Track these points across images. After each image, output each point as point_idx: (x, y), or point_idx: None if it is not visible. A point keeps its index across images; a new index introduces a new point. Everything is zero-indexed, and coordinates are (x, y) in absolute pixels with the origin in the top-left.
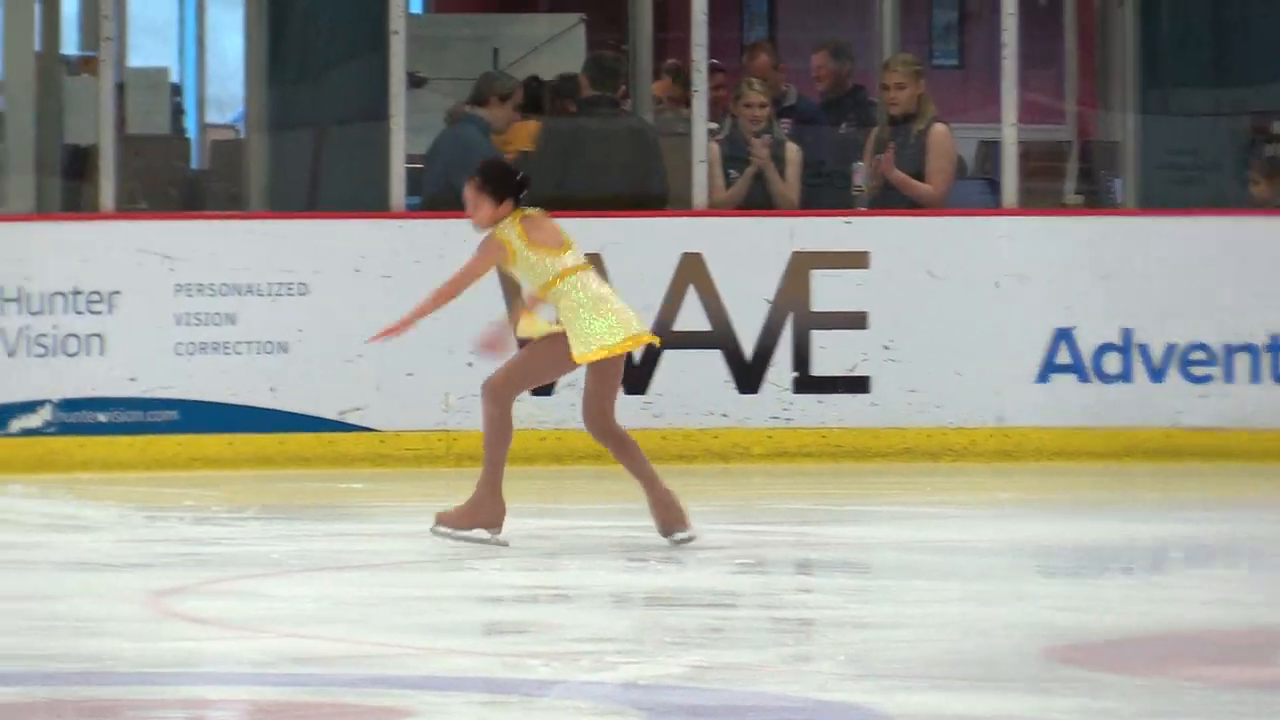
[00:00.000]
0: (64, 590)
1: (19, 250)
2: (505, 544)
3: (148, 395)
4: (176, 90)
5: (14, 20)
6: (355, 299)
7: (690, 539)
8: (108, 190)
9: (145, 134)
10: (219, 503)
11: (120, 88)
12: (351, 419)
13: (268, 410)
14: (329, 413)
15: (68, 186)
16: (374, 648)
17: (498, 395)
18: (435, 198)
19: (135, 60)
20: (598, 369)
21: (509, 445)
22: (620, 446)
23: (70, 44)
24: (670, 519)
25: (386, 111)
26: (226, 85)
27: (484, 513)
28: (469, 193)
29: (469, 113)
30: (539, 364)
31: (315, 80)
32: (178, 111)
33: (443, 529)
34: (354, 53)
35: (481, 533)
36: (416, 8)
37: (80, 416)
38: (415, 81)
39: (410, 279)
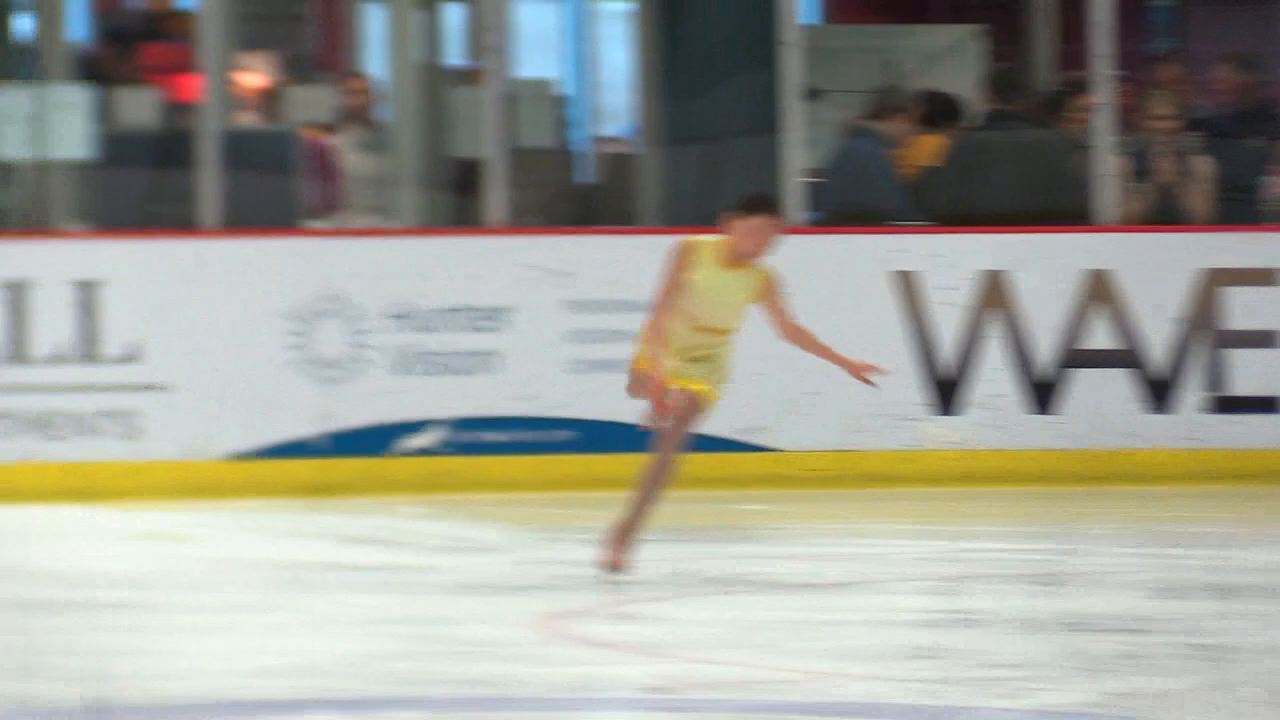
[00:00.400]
0: (458, 613)
1: (407, 265)
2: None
3: (545, 414)
4: (564, 102)
5: (398, 31)
6: (755, 317)
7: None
8: (498, 204)
9: (534, 147)
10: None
11: (507, 100)
12: (752, 438)
13: None
14: (729, 432)
15: (456, 200)
16: (776, 672)
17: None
18: (834, 212)
19: (522, 72)
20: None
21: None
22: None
23: (454, 55)
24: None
25: (780, 124)
26: (614, 97)
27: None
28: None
29: (865, 126)
30: None
31: (707, 93)
32: (565, 124)
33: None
34: (746, 65)
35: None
36: (813, 18)
37: (474, 435)
38: (811, 94)
39: (806, 293)
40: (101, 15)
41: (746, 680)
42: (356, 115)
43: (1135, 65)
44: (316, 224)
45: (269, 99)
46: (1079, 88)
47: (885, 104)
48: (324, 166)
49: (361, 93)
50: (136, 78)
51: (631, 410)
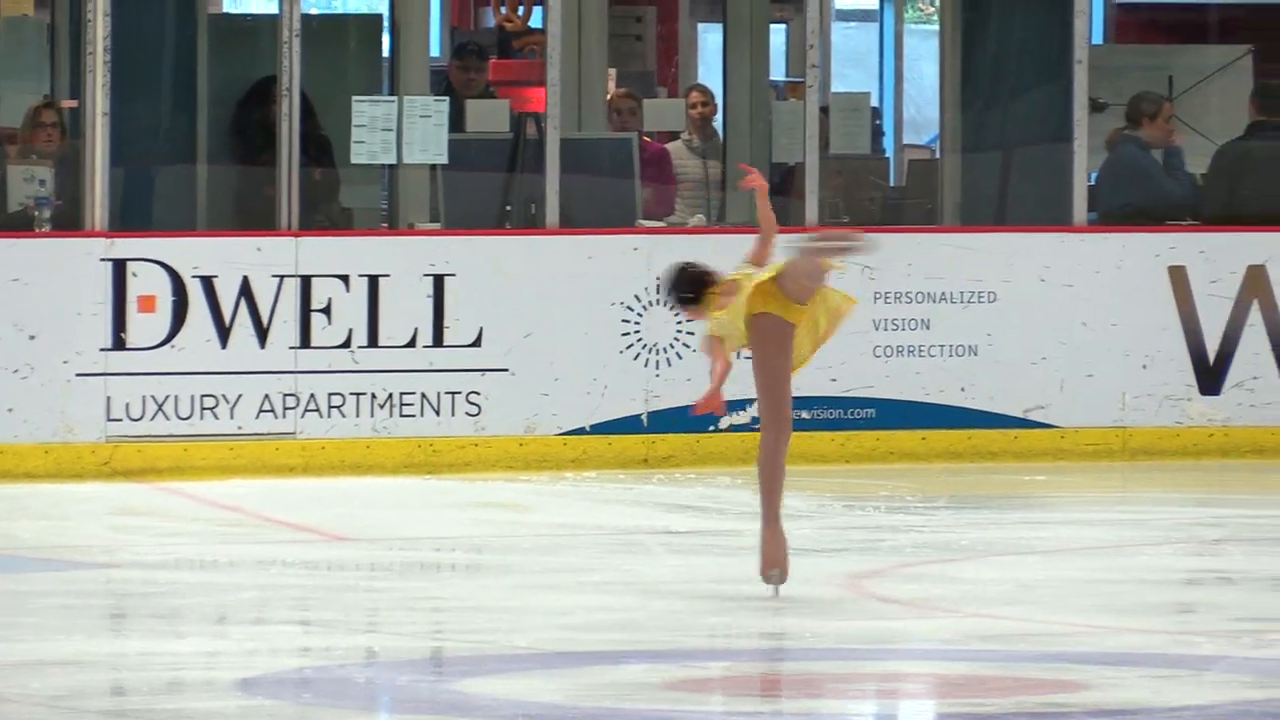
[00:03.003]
0: None
1: (732, 261)
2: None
3: (848, 394)
4: (877, 114)
5: (732, 49)
6: (1040, 307)
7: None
8: (811, 205)
9: (846, 154)
10: (912, 493)
11: (824, 111)
12: (1035, 416)
13: (958, 408)
14: (1014, 410)
15: (778, 202)
16: (1053, 626)
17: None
18: (1108, 213)
19: (838, 86)
20: None
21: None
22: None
23: (778, 71)
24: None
25: (1069, 134)
26: (922, 109)
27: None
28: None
29: (1127, 134)
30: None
31: (1004, 105)
32: (878, 133)
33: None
34: (1040, 80)
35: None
36: (1098, 39)
37: None
38: (1096, 106)
39: (1090, 288)
40: (455, 32)
41: (1024, 634)
42: (697, 125)
43: None
44: (650, 224)
45: (618, 109)
46: None
47: (1138, 112)
48: (661, 172)
49: (703, 104)
50: (488, 90)
51: (922, 391)
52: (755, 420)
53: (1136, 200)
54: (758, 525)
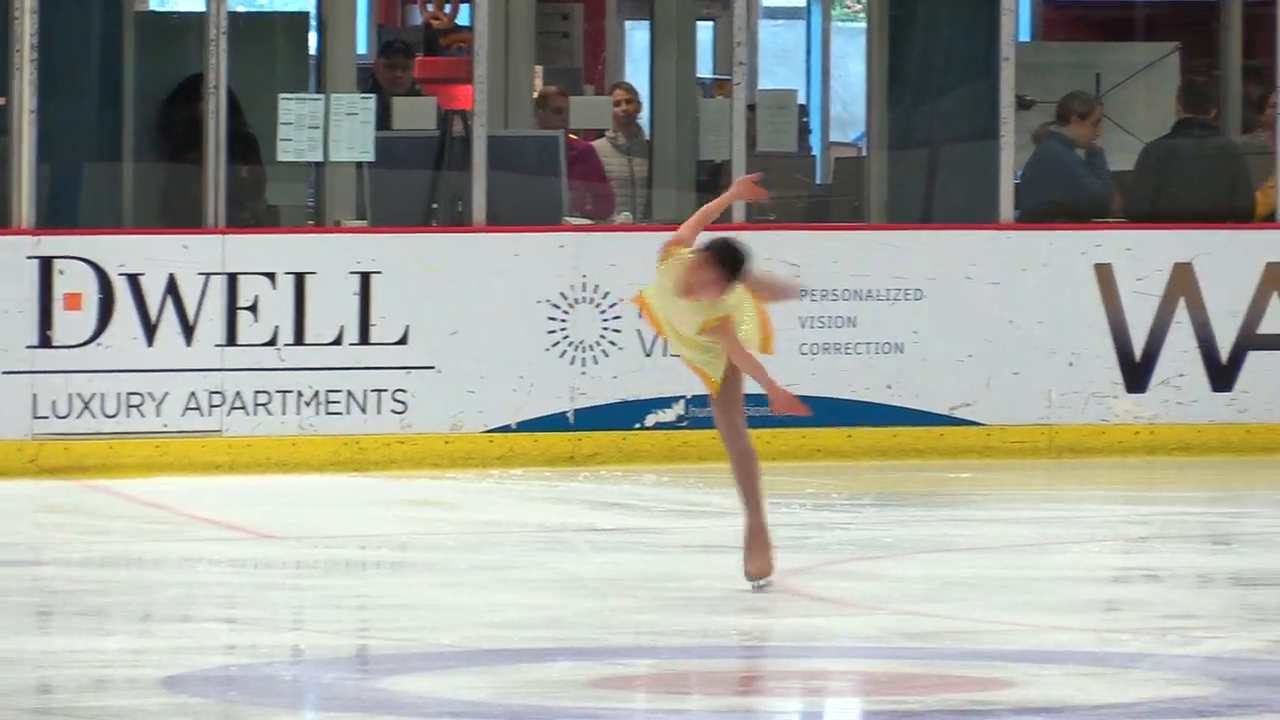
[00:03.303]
0: (692, 571)
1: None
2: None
3: None
4: (803, 111)
5: (662, 50)
6: (966, 304)
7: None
8: (737, 204)
9: (773, 151)
10: (838, 490)
11: (751, 108)
12: (961, 414)
13: (884, 406)
14: (940, 408)
15: (702, 198)
16: (978, 624)
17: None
18: (1031, 210)
19: (765, 83)
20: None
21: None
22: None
23: (705, 68)
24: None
25: (996, 131)
26: (849, 107)
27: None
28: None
29: (1054, 131)
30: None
31: (931, 102)
32: (804, 131)
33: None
34: (967, 77)
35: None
36: (1025, 36)
37: (709, 411)
38: (1024, 104)
39: (1017, 286)
40: (383, 30)
41: (950, 631)
42: (622, 123)
43: None
44: (576, 221)
45: (543, 107)
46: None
47: (1068, 110)
48: (589, 169)
49: (627, 102)
50: (414, 88)
51: (849, 388)
52: (681, 419)
53: (1059, 197)
54: (683, 522)
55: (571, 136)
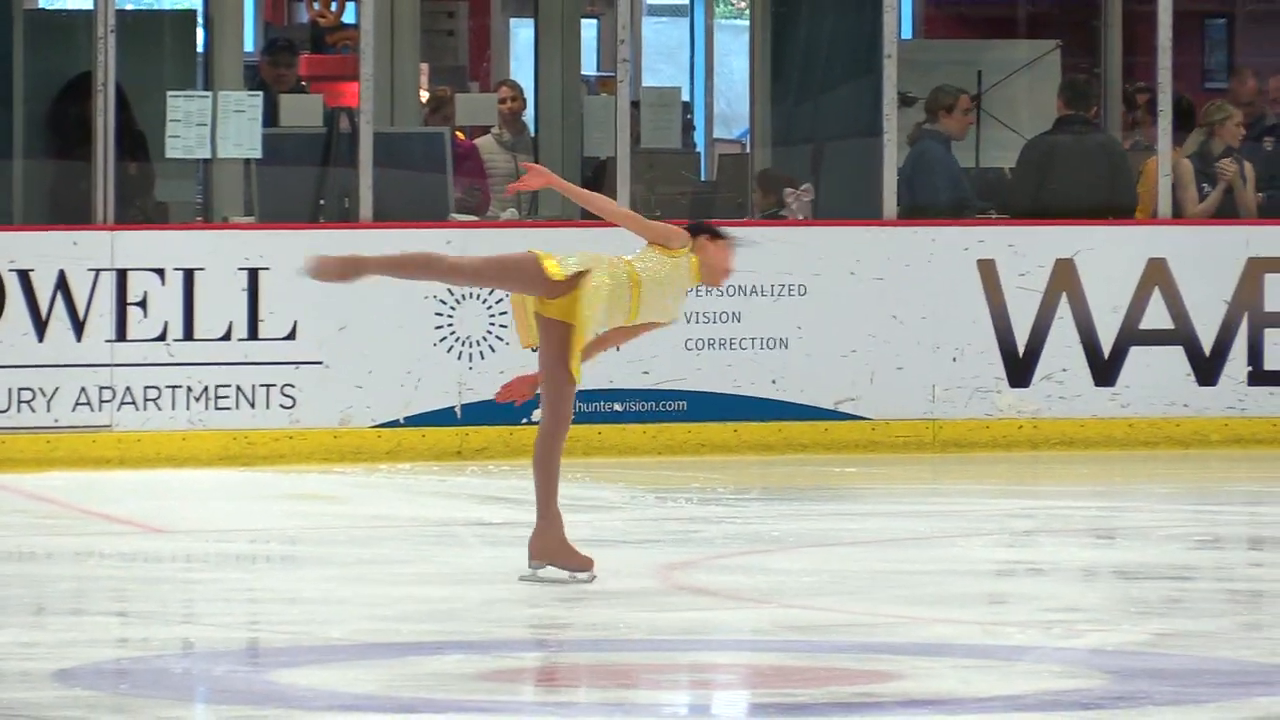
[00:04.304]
0: None
1: None
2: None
3: (659, 387)
4: (687, 108)
5: (542, 45)
6: (850, 299)
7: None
8: (623, 200)
9: (657, 148)
10: (724, 485)
11: (635, 105)
12: (846, 408)
13: (769, 400)
14: (825, 402)
15: None
16: (864, 617)
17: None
18: (910, 207)
19: (649, 80)
20: None
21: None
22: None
23: (589, 65)
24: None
25: (879, 128)
26: (733, 104)
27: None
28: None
29: (926, 129)
30: None
31: (814, 99)
32: (688, 128)
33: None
34: (850, 74)
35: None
36: (907, 34)
37: (596, 406)
38: (906, 101)
39: (900, 281)
40: (269, 28)
41: (836, 624)
42: (507, 120)
43: (1193, 77)
44: (463, 218)
45: (437, 111)
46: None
47: (935, 105)
48: (474, 166)
49: (512, 99)
50: (299, 85)
51: (733, 384)
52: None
53: (935, 196)
54: (569, 516)
55: (459, 135)
